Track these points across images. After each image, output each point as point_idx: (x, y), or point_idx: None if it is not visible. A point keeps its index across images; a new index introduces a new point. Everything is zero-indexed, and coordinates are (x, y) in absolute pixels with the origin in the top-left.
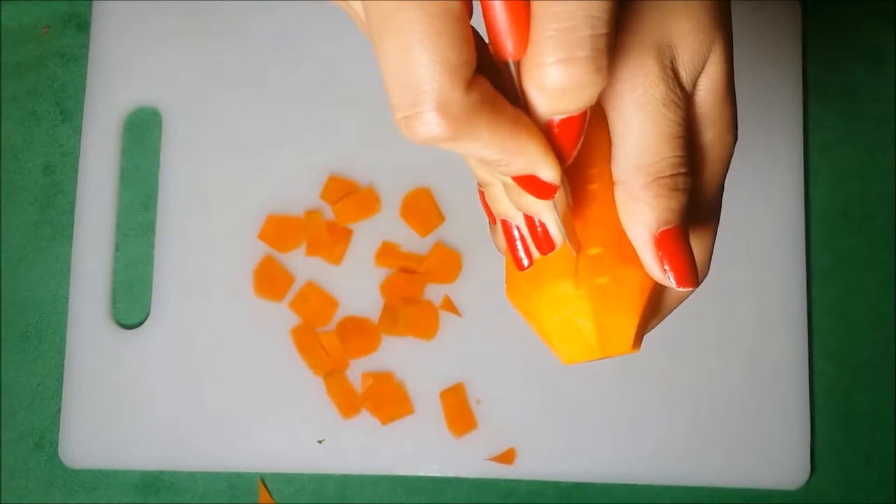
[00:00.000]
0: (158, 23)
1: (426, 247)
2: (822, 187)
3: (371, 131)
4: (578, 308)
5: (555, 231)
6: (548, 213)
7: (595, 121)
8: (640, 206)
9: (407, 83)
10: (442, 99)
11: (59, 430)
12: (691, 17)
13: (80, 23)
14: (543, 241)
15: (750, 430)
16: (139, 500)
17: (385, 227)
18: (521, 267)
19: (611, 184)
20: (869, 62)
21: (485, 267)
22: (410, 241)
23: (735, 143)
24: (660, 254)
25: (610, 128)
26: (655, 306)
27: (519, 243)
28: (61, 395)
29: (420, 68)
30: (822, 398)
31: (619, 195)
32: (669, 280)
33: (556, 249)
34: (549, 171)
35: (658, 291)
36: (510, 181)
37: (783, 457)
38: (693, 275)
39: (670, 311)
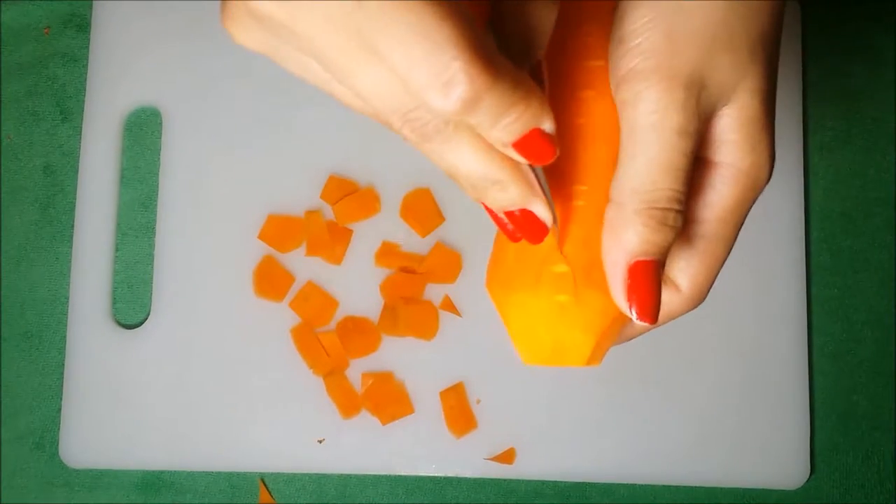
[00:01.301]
0: (158, 23)
1: (426, 247)
2: (822, 187)
3: (371, 131)
4: (538, 318)
5: (545, 214)
6: (538, 201)
7: (596, 137)
8: (626, 229)
9: (432, 51)
10: (469, 50)
11: (59, 429)
12: (729, 51)
13: (80, 23)
14: (534, 230)
15: (750, 429)
16: (140, 499)
17: (385, 227)
18: (515, 238)
19: (596, 203)
20: (868, 63)
21: (484, 267)
22: (410, 241)
23: (767, 177)
24: (629, 283)
25: (620, 144)
26: (618, 329)
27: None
28: (62, 394)
29: (441, 31)
30: (821, 398)
31: (610, 214)
32: (631, 311)
33: (546, 234)
34: (549, 123)
35: (623, 317)
36: (500, 169)
37: (783, 456)
38: (655, 312)
39: (632, 338)
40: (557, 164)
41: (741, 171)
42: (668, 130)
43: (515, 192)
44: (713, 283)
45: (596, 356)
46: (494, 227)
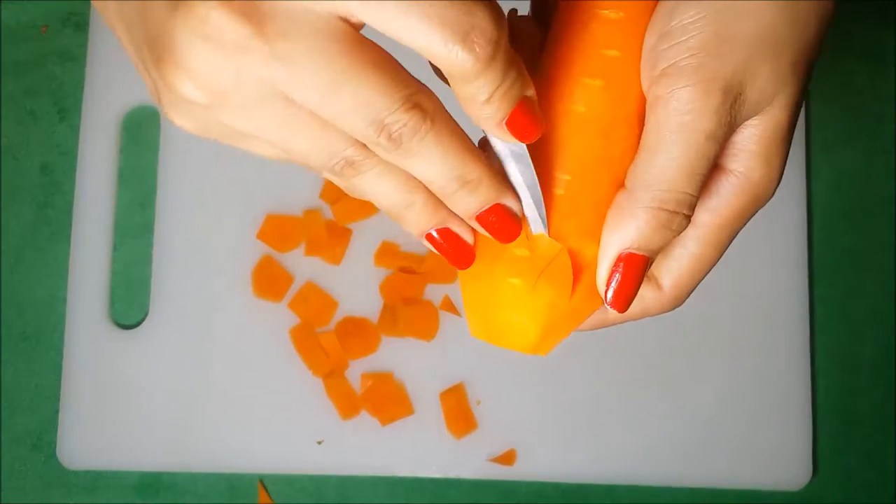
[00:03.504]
0: None
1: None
2: (824, 187)
3: None
4: (490, 294)
5: (517, 206)
6: (510, 193)
7: (593, 129)
8: (629, 221)
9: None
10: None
11: (57, 430)
12: (772, 60)
13: (78, 22)
14: (507, 226)
15: (752, 430)
16: (138, 500)
17: (385, 227)
18: (464, 262)
19: (576, 195)
20: (870, 61)
21: None
22: (410, 241)
23: (773, 193)
24: (614, 269)
25: (644, 136)
26: (573, 325)
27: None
28: (59, 395)
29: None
30: (824, 399)
31: (620, 198)
32: (607, 295)
33: (520, 231)
34: (532, 90)
35: (580, 316)
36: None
37: (785, 457)
38: (627, 303)
39: (602, 327)
40: (544, 148)
41: (751, 181)
42: (697, 133)
43: (488, 188)
44: (695, 288)
45: (542, 346)
46: None
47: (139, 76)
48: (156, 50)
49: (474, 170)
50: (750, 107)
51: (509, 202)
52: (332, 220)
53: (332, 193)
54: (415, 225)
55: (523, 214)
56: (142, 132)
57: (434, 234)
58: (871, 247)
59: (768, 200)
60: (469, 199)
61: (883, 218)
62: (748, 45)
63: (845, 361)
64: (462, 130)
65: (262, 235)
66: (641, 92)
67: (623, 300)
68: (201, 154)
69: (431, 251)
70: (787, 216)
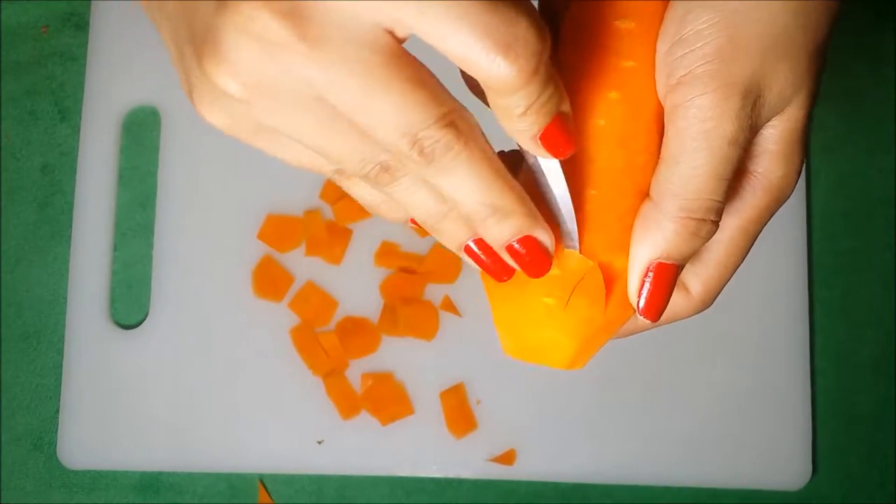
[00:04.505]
0: None
1: (426, 247)
2: (824, 188)
3: None
4: (523, 314)
5: (549, 241)
6: (541, 226)
7: (615, 142)
8: (657, 231)
9: (490, 8)
10: (528, 4)
11: (57, 430)
12: (788, 61)
13: (78, 22)
14: (538, 260)
15: (751, 430)
16: (138, 500)
17: (385, 226)
18: (501, 278)
19: (604, 210)
20: (870, 63)
21: None
22: (410, 241)
23: (792, 190)
24: (645, 279)
25: (665, 146)
26: (607, 337)
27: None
28: (60, 395)
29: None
30: (823, 398)
31: (646, 209)
32: (639, 305)
33: (550, 266)
34: (568, 104)
35: (613, 326)
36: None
37: (785, 457)
38: (660, 312)
39: (632, 334)
40: (567, 163)
41: (772, 182)
42: (719, 139)
43: (519, 218)
44: (722, 289)
45: (578, 360)
46: None
47: (141, 76)
48: (198, 45)
49: (506, 199)
50: (770, 109)
51: (541, 235)
52: (332, 220)
53: (333, 193)
54: (452, 237)
55: (558, 234)
56: (142, 132)
57: (472, 246)
58: (870, 247)
59: (787, 199)
60: (498, 227)
61: (882, 219)
62: (763, 48)
63: (845, 361)
64: (497, 158)
65: (262, 235)
66: (657, 98)
67: (655, 309)
68: (201, 154)
69: (433, 251)
70: (786, 216)
